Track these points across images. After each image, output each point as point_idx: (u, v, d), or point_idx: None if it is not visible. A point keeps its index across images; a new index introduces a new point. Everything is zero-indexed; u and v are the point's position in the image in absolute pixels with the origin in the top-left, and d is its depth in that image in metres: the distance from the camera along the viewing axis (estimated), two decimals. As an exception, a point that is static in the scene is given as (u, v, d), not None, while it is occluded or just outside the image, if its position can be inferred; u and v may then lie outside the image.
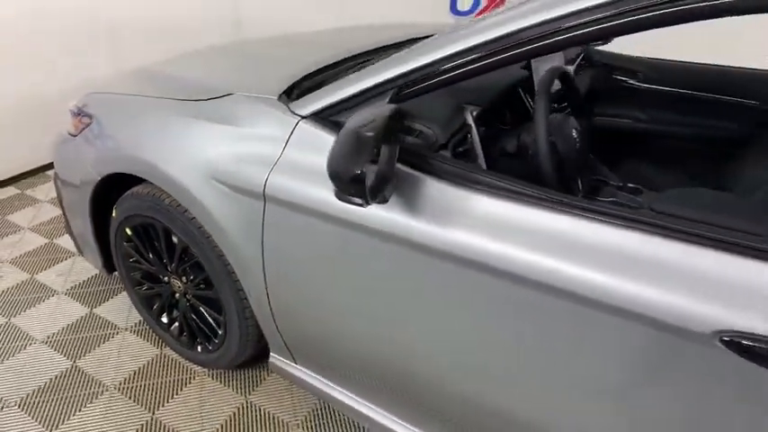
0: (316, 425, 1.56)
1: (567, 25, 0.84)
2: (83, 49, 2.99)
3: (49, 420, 1.55)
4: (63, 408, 1.59)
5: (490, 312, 0.97)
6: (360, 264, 1.11)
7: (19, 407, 1.58)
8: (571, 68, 1.71)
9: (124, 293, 1.94)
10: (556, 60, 1.70)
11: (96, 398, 1.62)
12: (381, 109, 0.93)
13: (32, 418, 1.55)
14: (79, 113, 1.69)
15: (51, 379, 1.69)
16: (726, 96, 1.99)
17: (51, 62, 2.86)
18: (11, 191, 2.89)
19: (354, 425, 1.55)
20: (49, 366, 1.73)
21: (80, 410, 1.58)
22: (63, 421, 1.55)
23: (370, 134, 0.84)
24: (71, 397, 1.62)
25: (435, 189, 0.99)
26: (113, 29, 3.12)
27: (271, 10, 3.69)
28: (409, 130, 1.14)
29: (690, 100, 2.05)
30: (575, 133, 1.28)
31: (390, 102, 1.04)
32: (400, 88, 1.04)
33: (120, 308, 1.99)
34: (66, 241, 2.34)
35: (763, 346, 0.71)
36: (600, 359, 0.87)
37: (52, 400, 1.61)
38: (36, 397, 1.62)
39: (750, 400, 0.76)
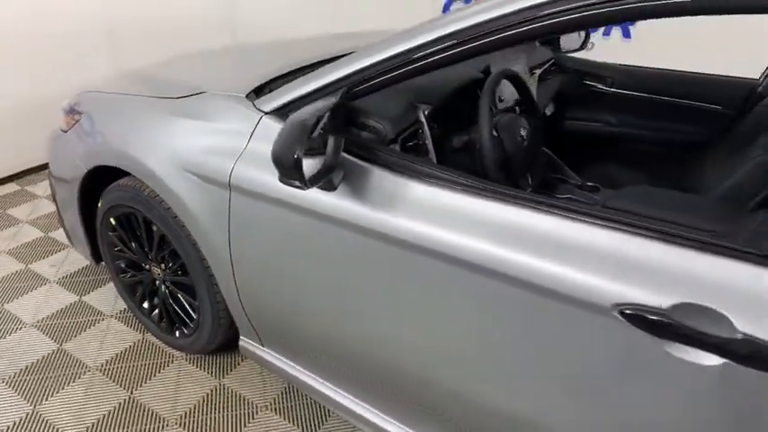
0: (283, 407, 1.64)
1: (493, 28, 0.93)
2: (84, 52, 3.12)
3: (34, 397, 1.64)
4: (47, 386, 1.68)
5: (429, 291, 1.05)
6: (313, 248, 1.20)
7: (7, 384, 1.68)
8: (523, 72, 1.79)
9: (111, 284, 2.04)
10: (519, 63, 1.79)
11: (79, 378, 1.72)
12: (325, 103, 1.03)
13: (18, 394, 1.65)
14: (71, 111, 1.80)
15: (38, 360, 1.79)
16: (690, 101, 2.08)
17: (52, 63, 2.98)
18: (12, 187, 3.01)
19: (319, 407, 1.64)
20: (37, 348, 1.83)
21: (63, 389, 1.68)
22: (47, 398, 1.64)
23: (307, 124, 0.93)
24: (56, 376, 1.72)
25: (381, 178, 1.08)
26: (114, 31, 3.25)
27: (267, 13, 3.81)
28: (363, 126, 1.23)
29: (656, 104, 2.14)
30: (523, 132, 1.37)
31: (341, 98, 1.13)
32: (350, 86, 1.13)
33: (108, 296, 2.09)
34: (60, 234, 2.45)
35: (653, 317, 0.79)
36: (521, 332, 0.95)
37: (38, 378, 1.71)
38: (23, 375, 1.72)
39: (641, 365, 0.84)
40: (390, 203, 1.05)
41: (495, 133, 1.32)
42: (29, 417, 1.58)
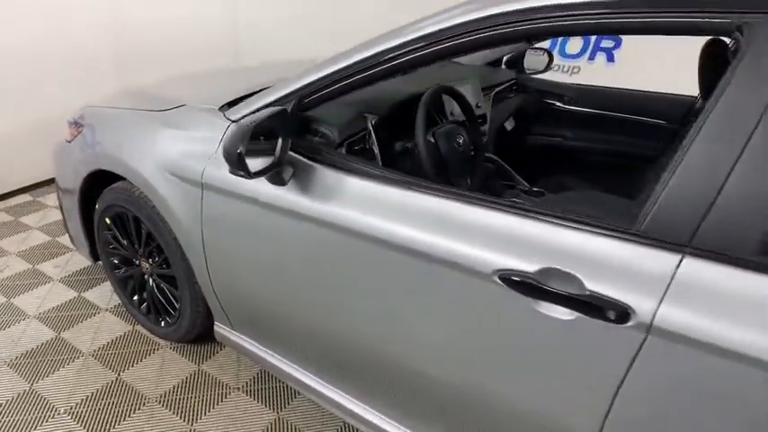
0: (255, 389, 1.81)
1: (408, 49, 1.13)
2: (92, 73, 3.39)
3: (31, 377, 1.83)
4: (44, 368, 1.87)
5: (364, 269, 1.22)
6: (270, 237, 1.39)
7: (8, 366, 1.88)
8: (474, 91, 1.99)
9: (108, 282, 2.24)
10: (468, 83, 2.00)
11: (73, 361, 1.91)
12: (271, 110, 1.23)
13: (18, 374, 1.84)
14: (75, 123, 2.03)
15: (38, 345, 1.98)
16: (638, 117, 2.26)
17: (62, 84, 3.24)
18: (25, 198, 3.26)
19: (287, 388, 1.80)
20: (38, 336, 2.03)
21: (58, 370, 1.87)
22: (43, 378, 1.83)
23: (249, 127, 1.13)
24: (52, 360, 1.91)
25: (324, 175, 1.27)
26: (120, 54, 3.53)
27: (267, 39, 4.09)
28: (315, 131, 1.44)
29: (609, 120, 2.33)
30: (460, 140, 1.56)
31: (293, 108, 1.33)
32: (300, 97, 1.33)
33: (104, 293, 2.30)
34: (65, 240, 2.66)
35: (526, 280, 0.96)
36: (429, 297, 1.12)
37: (36, 361, 1.90)
38: (23, 359, 1.91)
39: (515, 320, 1.01)
40: (331, 196, 1.24)
41: (432, 140, 1.51)
42: (26, 393, 1.77)
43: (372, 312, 1.25)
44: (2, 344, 1.98)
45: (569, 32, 1.07)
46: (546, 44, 3.35)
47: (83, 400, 1.75)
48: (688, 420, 0.88)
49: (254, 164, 1.18)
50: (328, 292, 1.32)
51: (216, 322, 1.77)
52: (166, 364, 1.91)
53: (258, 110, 1.41)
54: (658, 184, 0.90)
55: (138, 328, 2.09)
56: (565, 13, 0.98)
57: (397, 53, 1.17)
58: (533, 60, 2.57)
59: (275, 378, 1.84)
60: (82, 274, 2.45)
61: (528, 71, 2.57)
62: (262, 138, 1.24)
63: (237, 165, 1.14)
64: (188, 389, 1.80)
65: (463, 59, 2.60)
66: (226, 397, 1.77)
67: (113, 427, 1.65)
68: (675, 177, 0.88)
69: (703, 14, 0.90)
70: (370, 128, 1.51)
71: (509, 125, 2.35)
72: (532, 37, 1.08)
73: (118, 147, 1.77)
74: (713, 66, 1.58)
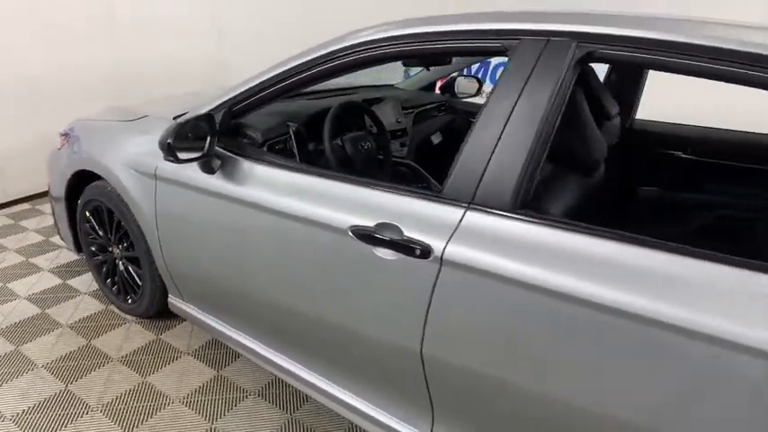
0: (203, 354, 2.15)
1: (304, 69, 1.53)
2: (92, 95, 3.83)
3: (18, 341, 2.19)
4: (29, 335, 2.23)
5: (269, 236, 1.58)
6: (204, 215, 1.76)
7: (2, 335, 2.24)
8: (396, 109, 2.39)
9: (90, 272, 2.61)
10: (388, 104, 2.40)
11: (53, 331, 2.27)
12: (197, 114, 1.62)
13: (6, 339, 2.20)
14: (65, 134, 2.44)
15: (25, 319, 2.35)
16: None
17: (61, 104, 3.67)
18: (26, 206, 3.67)
19: (232, 353, 2.14)
20: (26, 312, 2.39)
21: (40, 338, 2.22)
22: (27, 342, 2.19)
23: (176, 123, 1.52)
24: (36, 330, 2.27)
25: (243, 165, 1.65)
26: (118, 76, 3.98)
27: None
28: (243, 134, 1.82)
29: None
30: (365, 145, 1.94)
31: (225, 115, 1.72)
32: (231, 105, 1.72)
33: (85, 280, 2.66)
34: (58, 239, 3.05)
35: (366, 232, 1.32)
36: (304, 252, 1.48)
37: (22, 330, 2.26)
38: (13, 328, 2.27)
39: (363, 265, 1.36)
40: (245, 180, 1.62)
41: (340, 143, 1.89)
42: (11, 354, 2.12)
43: (273, 269, 1.61)
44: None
45: (400, 57, 1.46)
46: (482, 71, 3.78)
47: (59, 358, 2.09)
48: (470, 325, 1.22)
49: (188, 156, 1.57)
50: (245, 257, 1.68)
51: (170, 296, 2.13)
52: (132, 335, 2.27)
53: (198, 117, 1.80)
54: (453, 162, 1.27)
55: (112, 307, 2.45)
56: (396, 42, 1.38)
57: (299, 70, 1.56)
58: (466, 86, 2.98)
59: (220, 343, 2.18)
60: (68, 266, 2.82)
61: (460, 95, 2.97)
62: (194, 137, 1.63)
63: (167, 152, 1.53)
64: (145, 352, 2.15)
65: (401, 84, 3.03)
66: (176, 360, 2.11)
67: (82, 377, 1.99)
68: (462, 157, 1.26)
69: (486, 41, 1.29)
70: (291, 133, 1.90)
71: (435, 139, 2.73)
72: (382, 60, 1.45)
73: (96, 150, 2.17)
74: (589, 81, 1.97)
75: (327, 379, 1.64)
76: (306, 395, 1.90)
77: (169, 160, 1.57)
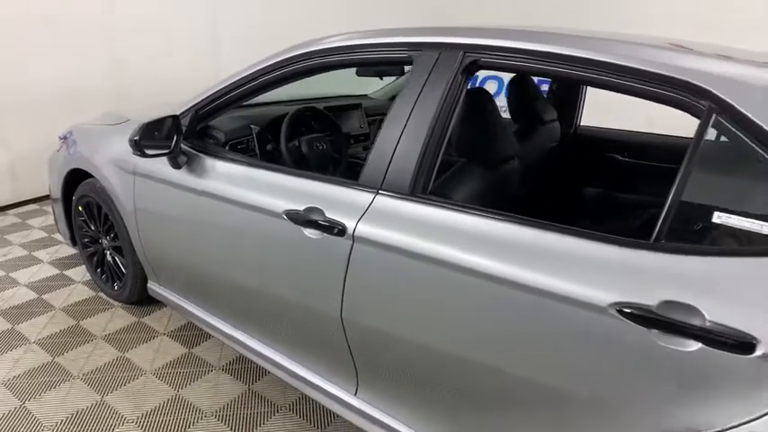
0: (178, 335, 2.39)
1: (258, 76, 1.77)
2: (95, 103, 4.13)
3: (15, 320, 2.44)
4: (26, 315, 2.48)
5: (227, 222, 1.81)
6: (172, 206, 2.00)
7: (1, 313, 2.50)
8: (361, 116, 2.62)
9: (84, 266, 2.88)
10: (355, 112, 2.63)
11: (46, 313, 2.52)
12: (161, 116, 1.86)
13: (6, 319, 2.46)
14: (64, 137, 2.71)
15: (23, 303, 2.61)
16: None
17: (70, 114, 3.97)
18: (33, 206, 3.97)
19: (204, 334, 2.37)
20: (25, 297, 2.65)
21: (35, 318, 2.47)
22: (22, 322, 2.44)
23: (144, 123, 1.77)
24: (32, 312, 2.52)
25: (206, 161, 1.89)
26: (119, 92, 4.29)
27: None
28: (209, 135, 2.07)
29: None
30: (321, 146, 2.17)
31: (192, 117, 1.96)
32: (197, 109, 1.97)
33: (81, 271, 2.92)
34: (59, 236, 3.33)
35: (299, 215, 1.54)
36: (251, 233, 1.70)
37: (19, 312, 2.52)
38: (10, 311, 2.53)
39: (298, 246, 1.58)
40: (206, 174, 1.86)
41: (297, 144, 2.13)
42: (8, 331, 2.37)
43: (226, 252, 1.84)
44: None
45: (331, 67, 1.69)
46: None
47: (49, 335, 2.34)
48: (377, 291, 1.43)
49: (156, 152, 1.82)
50: (204, 242, 1.92)
51: (149, 281, 2.37)
52: (116, 318, 2.50)
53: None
54: (367, 155, 1.49)
55: (101, 294, 2.70)
56: (327, 54, 1.62)
57: (251, 78, 1.80)
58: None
59: (195, 326, 2.41)
60: (67, 259, 3.09)
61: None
62: (163, 137, 1.87)
63: (134, 148, 1.77)
64: (126, 334, 2.39)
65: (374, 94, 3.27)
66: (152, 339, 2.35)
67: (68, 351, 2.23)
68: (373, 150, 1.48)
69: (396, 52, 1.52)
70: (253, 134, 2.14)
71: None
72: (317, 70, 1.68)
73: (87, 151, 2.44)
74: (517, 91, 2.19)
75: (275, 350, 1.86)
76: (264, 370, 2.11)
77: (137, 154, 1.82)
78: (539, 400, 1.21)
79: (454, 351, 1.31)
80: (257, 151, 2.16)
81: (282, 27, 4.57)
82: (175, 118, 1.89)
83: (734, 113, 1.04)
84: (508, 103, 2.25)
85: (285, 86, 1.83)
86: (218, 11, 4.88)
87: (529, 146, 2.08)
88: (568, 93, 2.52)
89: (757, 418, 0.94)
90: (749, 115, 1.03)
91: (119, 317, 2.51)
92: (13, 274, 2.90)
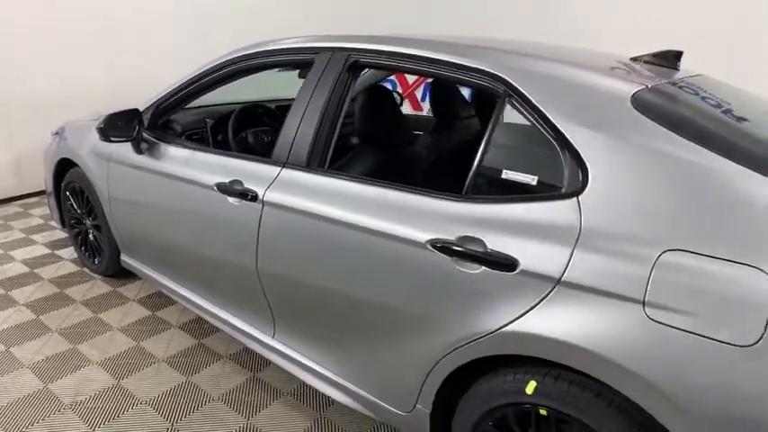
0: (147, 301, 2.75)
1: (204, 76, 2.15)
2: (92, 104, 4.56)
3: (10, 287, 2.83)
4: (16, 287, 2.87)
5: (174, 194, 2.18)
6: (135, 185, 2.38)
7: (2, 288, 2.89)
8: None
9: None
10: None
11: (35, 283, 2.91)
12: (123, 110, 2.24)
13: (3, 288, 2.85)
14: (57, 132, 3.12)
15: (14, 276, 3.00)
16: None
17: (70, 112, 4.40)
18: (35, 199, 4.41)
19: (169, 299, 2.73)
20: (17, 271, 3.05)
21: (23, 287, 2.86)
22: (11, 290, 2.83)
23: (108, 115, 2.15)
24: (23, 282, 2.91)
25: (162, 147, 2.27)
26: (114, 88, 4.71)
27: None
28: (170, 127, 2.45)
29: None
30: (266, 137, 2.54)
31: (153, 111, 2.35)
32: (158, 104, 2.35)
33: (70, 251, 3.32)
34: (53, 223, 3.73)
35: (227, 187, 1.90)
36: (190, 201, 2.07)
37: (12, 283, 2.91)
38: (8, 280, 2.92)
39: (223, 211, 1.94)
40: (161, 157, 2.23)
41: (245, 135, 2.50)
42: (2, 295, 2.76)
43: (175, 222, 2.20)
44: (-6, 273, 3.01)
45: (256, 69, 2.06)
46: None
47: (36, 299, 2.73)
48: (281, 245, 1.78)
49: (119, 139, 2.20)
50: (160, 215, 2.29)
51: (121, 253, 2.74)
52: (95, 288, 2.89)
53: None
54: (277, 137, 1.85)
55: (85, 269, 3.09)
56: (251, 57, 1.99)
57: (197, 79, 2.18)
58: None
59: (165, 295, 2.77)
60: (59, 241, 3.49)
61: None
62: (127, 127, 2.25)
63: (100, 134, 2.16)
64: (101, 300, 2.76)
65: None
66: (123, 305, 2.72)
67: (49, 311, 2.61)
68: (282, 132, 1.84)
69: (302, 55, 1.89)
70: (207, 127, 2.52)
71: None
72: (245, 72, 2.06)
73: (73, 143, 2.84)
74: (435, 92, 2.53)
75: (216, 305, 2.21)
76: (215, 328, 2.46)
77: (102, 140, 2.20)
78: (382, 318, 1.54)
79: (335, 287, 1.65)
80: (210, 140, 2.53)
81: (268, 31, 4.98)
82: (136, 111, 2.27)
83: (520, 95, 1.38)
84: (430, 102, 2.60)
85: (251, 91, 2.21)
86: (207, 22, 5.31)
87: (441, 137, 2.42)
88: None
89: (515, 320, 1.26)
90: (530, 98, 1.37)
91: (97, 287, 2.89)
92: (11, 253, 3.30)
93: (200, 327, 2.53)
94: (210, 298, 2.23)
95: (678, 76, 1.63)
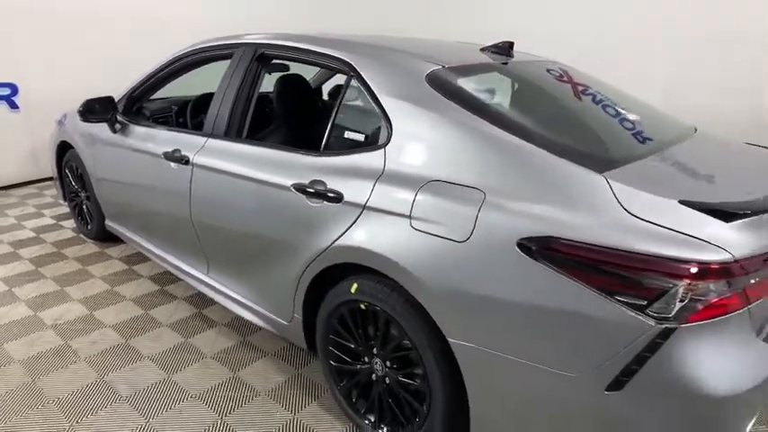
0: (129, 259, 3.30)
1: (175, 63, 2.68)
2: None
3: (17, 248, 3.43)
4: (24, 247, 3.47)
5: (140, 164, 2.72)
6: (111, 159, 2.93)
7: (8, 242, 3.49)
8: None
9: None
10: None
11: (40, 245, 3.50)
12: (103, 97, 2.79)
13: (13, 248, 3.45)
14: (60, 120, 3.72)
15: (23, 239, 3.60)
16: None
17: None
18: (49, 182, 5.05)
19: (150, 261, 3.28)
20: (26, 235, 3.65)
21: (29, 248, 3.46)
22: (20, 249, 3.42)
23: (86, 100, 2.70)
24: (30, 244, 3.50)
25: (132, 127, 2.81)
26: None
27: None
28: (142, 113, 3.00)
29: None
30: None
31: (128, 98, 2.90)
32: (132, 91, 2.90)
33: (71, 222, 3.91)
34: (61, 201, 4.34)
35: (172, 154, 2.43)
36: (147, 174, 2.60)
37: (21, 244, 3.50)
38: (17, 242, 3.52)
39: (167, 177, 2.46)
40: (131, 135, 2.78)
41: (198, 117, 3.03)
42: (11, 253, 3.36)
43: (140, 186, 2.74)
44: (8, 238, 3.61)
45: (201, 63, 2.58)
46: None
47: (40, 255, 3.31)
48: (207, 198, 2.29)
49: (96, 119, 2.75)
50: (130, 182, 2.83)
51: (106, 219, 3.31)
52: (93, 253, 3.46)
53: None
54: (206, 116, 2.36)
55: (81, 236, 3.67)
56: (202, 50, 2.51)
57: (160, 69, 2.72)
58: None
59: (147, 258, 3.32)
60: (63, 215, 4.10)
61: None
62: (103, 110, 2.80)
63: (79, 115, 2.72)
64: (93, 258, 3.33)
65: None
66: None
67: (49, 264, 3.18)
68: (209, 112, 2.35)
69: (228, 50, 2.40)
70: (172, 112, 3.06)
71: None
72: (199, 63, 2.58)
73: (70, 128, 3.42)
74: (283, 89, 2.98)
75: (171, 254, 2.73)
76: (190, 287, 2.99)
77: (81, 120, 2.76)
78: (269, 246, 2.03)
79: (240, 227, 2.15)
80: (173, 122, 3.07)
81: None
82: (110, 98, 2.82)
83: (360, 77, 1.86)
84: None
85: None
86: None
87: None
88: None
89: (340, 237, 1.73)
90: (366, 79, 1.84)
91: (88, 248, 3.47)
92: (23, 222, 3.92)
93: (164, 277, 3.06)
94: (167, 249, 2.76)
95: (520, 59, 2.12)
